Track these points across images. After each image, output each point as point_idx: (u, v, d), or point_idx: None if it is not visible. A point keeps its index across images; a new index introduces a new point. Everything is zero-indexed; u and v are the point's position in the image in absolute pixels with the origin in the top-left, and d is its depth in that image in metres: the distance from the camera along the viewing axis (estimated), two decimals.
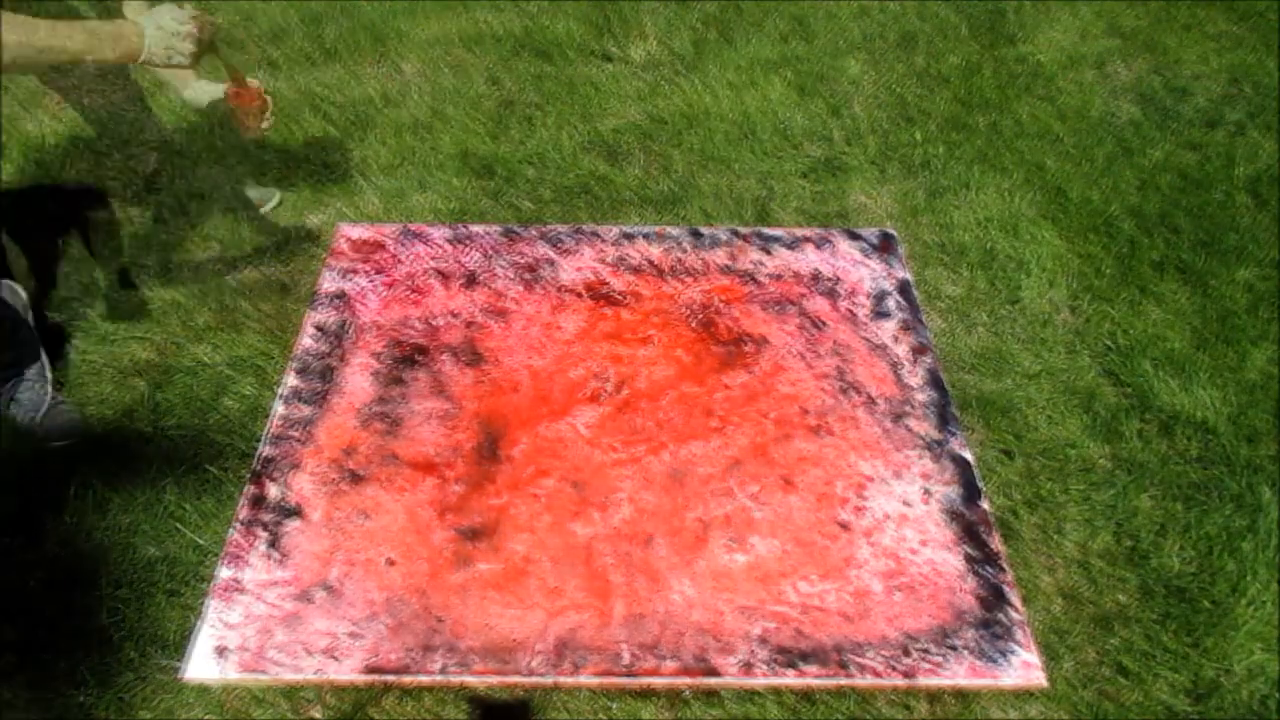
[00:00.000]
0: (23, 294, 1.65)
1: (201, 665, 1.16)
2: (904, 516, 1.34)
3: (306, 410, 1.45)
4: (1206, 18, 2.77)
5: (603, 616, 1.21)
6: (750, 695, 1.21)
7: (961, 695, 1.23)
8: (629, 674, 1.16)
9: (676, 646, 1.18)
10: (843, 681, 1.16)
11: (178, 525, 1.41)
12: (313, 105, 2.33)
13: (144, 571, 1.36)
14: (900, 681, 1.16)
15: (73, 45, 1.17)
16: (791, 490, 1.36)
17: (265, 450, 1.39)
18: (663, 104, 2.35)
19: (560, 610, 1.22)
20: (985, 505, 1.36)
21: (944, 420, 1.47)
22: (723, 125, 2.28)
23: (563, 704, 1.22)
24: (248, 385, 1.62)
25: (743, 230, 1.81)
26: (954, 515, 1.34)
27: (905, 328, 1.62)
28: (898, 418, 1.47)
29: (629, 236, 1.78)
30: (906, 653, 1.18)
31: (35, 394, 1.55)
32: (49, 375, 1.58)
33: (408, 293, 1.65)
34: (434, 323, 1.60)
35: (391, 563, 1.26)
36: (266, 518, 1.31)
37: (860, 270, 1.73)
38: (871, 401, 1.49)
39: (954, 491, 1.37)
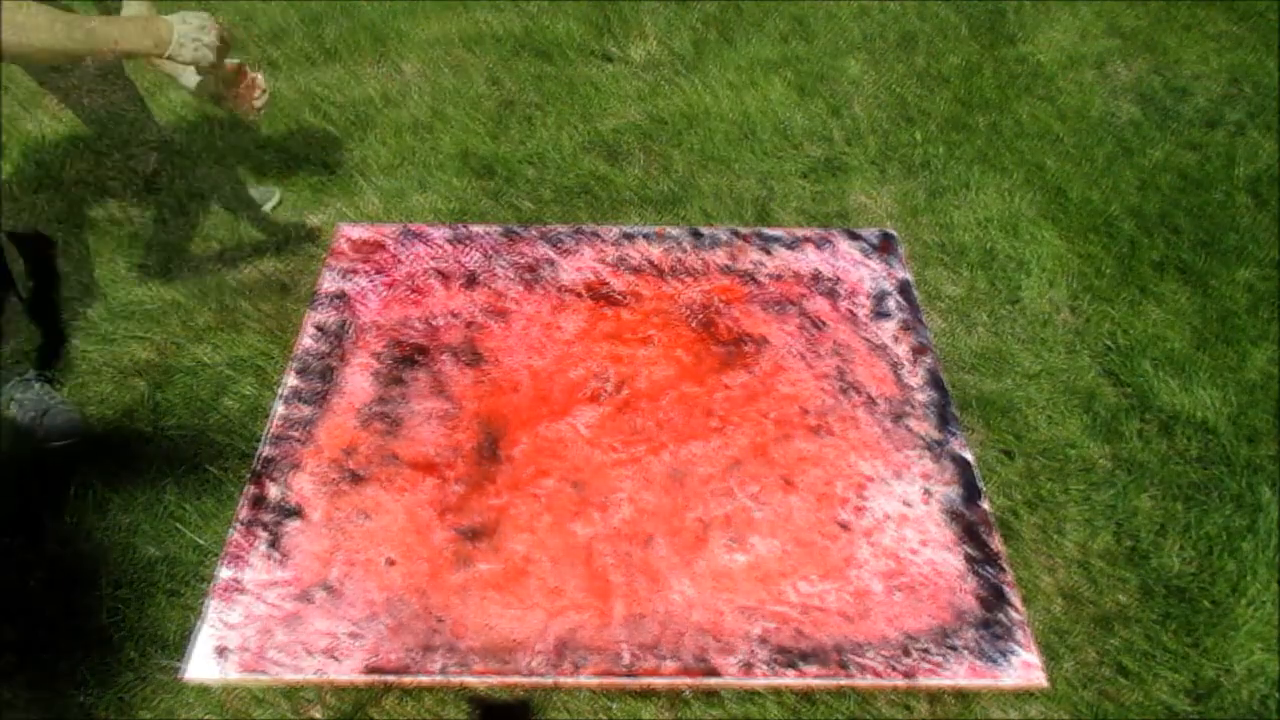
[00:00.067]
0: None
1: (202, 665, 1.16)
2: (904, 516, 1.33)
3: (307, 410, 1.45)
4: (1206, 18, 2.77)
5: (603, 616, 1.21)
6: (750, 695, 1.21)
7: (962, 695, 1.23)
8: (629, 674, 1.16)
9: (676, 646, 1.18)
10: (843, 681, 1.16)
11: (178, 525, 1.41)
12: (313, 105, 2.33)
13: (144, 571, 1.36)
14: (900, 682, 1.16)
15: (105, 33, 1.19)
16: (791, 490, 1.36)
17: (265, 450, 1.39)
18: (663, 104, 2.35)
19: (560, 610, 1.21)
20: (985, 505, 1.36)
21: (944, 420, 1.47)
22: (723, 125, 2.28)
23: (563, 704, 1.22)
24: (248, 385, 1.62)
25: (743, 230, 1.81)
26: (954, 515, 1.34)
27: (905, 328, 1.62)
28: (898, 418, 1.47)
29: (629, 237, 1.78)
30: (906, 653, 1.18)
31: (35, 394, 1.55)
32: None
33: (408, 293, 1.65)
34: (434, 323, 1.60)
35: (392, 563, 1.26)
36: (267, 518, 1.31)
37: (860, 270, 1.73)
38: (872, 401, 1.49)
39: (954, 492, 1.37)
